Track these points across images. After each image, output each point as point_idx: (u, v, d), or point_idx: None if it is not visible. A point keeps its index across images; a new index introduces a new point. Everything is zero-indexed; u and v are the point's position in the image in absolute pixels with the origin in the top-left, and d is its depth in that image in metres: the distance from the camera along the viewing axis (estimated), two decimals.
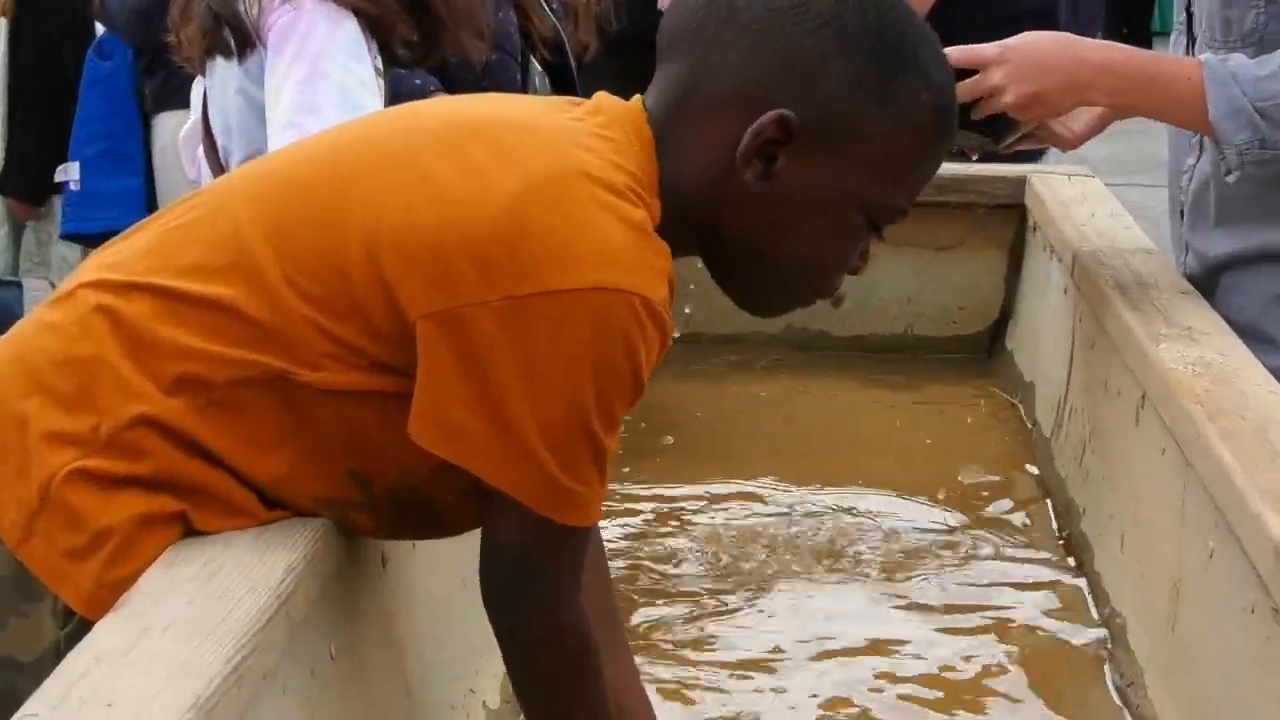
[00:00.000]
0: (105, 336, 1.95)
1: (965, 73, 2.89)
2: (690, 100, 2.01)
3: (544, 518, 1.92)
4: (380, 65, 3.37)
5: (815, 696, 2.73)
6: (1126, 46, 3.10)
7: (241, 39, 3.32)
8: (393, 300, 1.91)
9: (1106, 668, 2.82)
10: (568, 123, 2.00)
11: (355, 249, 1.93)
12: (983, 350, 4.42)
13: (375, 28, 3.33)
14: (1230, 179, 2.96)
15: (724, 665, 2.81)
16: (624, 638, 2.36)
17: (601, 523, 2.84)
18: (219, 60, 3.40)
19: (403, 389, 1.92)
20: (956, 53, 2.88)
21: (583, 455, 1.92)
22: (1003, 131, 3.04)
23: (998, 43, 2.98)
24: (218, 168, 3.47)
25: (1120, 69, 2.98)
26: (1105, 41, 3.06)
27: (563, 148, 1.95)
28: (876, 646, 2.91)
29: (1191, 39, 3.15)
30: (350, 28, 3.28)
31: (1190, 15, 3.16)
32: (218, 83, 3.46)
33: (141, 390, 1.93)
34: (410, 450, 1.94)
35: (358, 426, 1.96)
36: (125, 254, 2.02)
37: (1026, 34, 2.98)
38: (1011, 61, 2.95)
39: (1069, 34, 3.07)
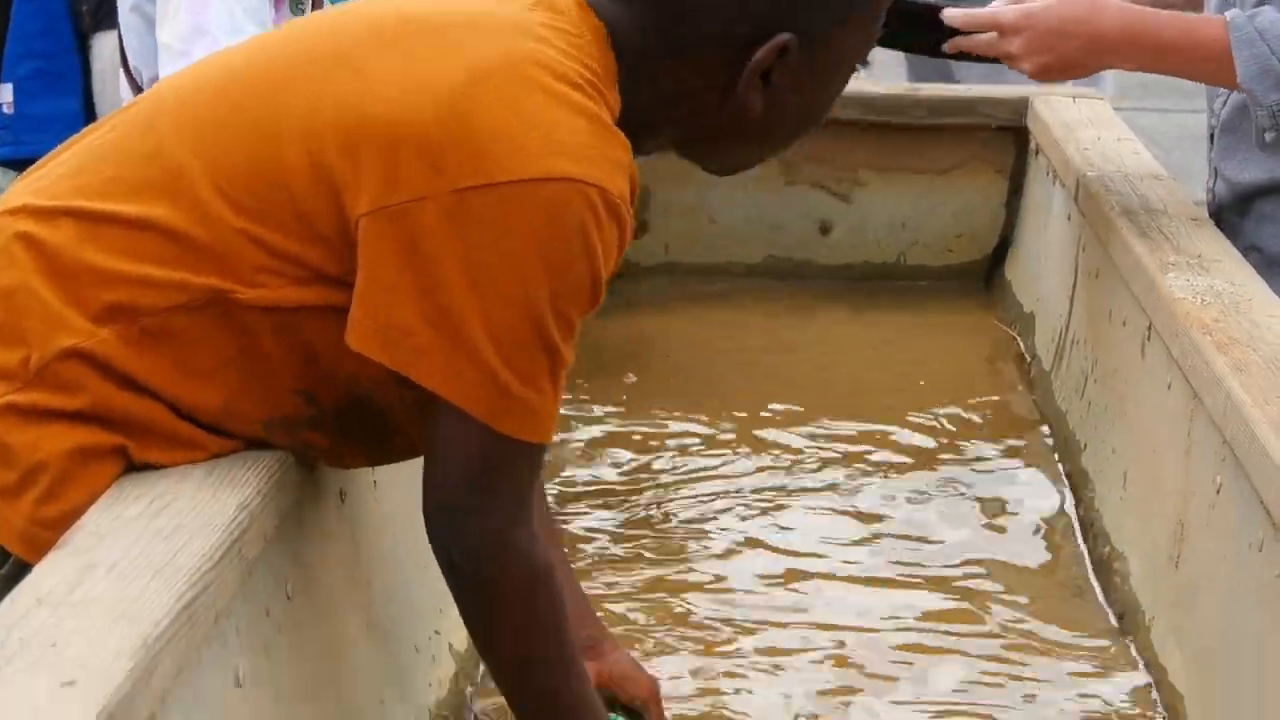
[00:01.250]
0: (28, 265, 1.86)
1: None
2: (672, 29, 1.91)
3: (494, 431, 1.81)
4: None
5: (802, 623, 2.68)
6: (1151, 10, 3.01)
7: None
8: (336, 201, 1.81)
9: (1106, 603, 2.75)
10: (518, 15, 1.90)
11: (294, 153, 1.83)
12: (980, 280, 4.33)
13: None
14: (1268, 138, 2.89)
15: (721, 589, 2.76)
16: (564, 557, 2.26)
17: (589, 460, 2.77)
18: None
19: (346, 301, 1.82)
20: (975, 16, 2.92)
21: (536, 361, 1.82)
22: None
23: (1019, 7, 2.94)
24: (135, 88, 3.39)
25: (1143, 38, 2.92)
26: (1129, 4, 2.97)
27: (513, 39, 1.86)
28: (868, 580, 2.84)
29: None
30: None
31: None
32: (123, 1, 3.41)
33: (69, 321, 1.84)
34: (360, 366, 1.85)
35: (302, 346, 1.87)
36: (48, 178, 1.93)
37: None
38: (1031, 29, 2.91)
39: None
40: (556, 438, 3.11)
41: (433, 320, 1.78)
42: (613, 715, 2.04)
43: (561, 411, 1.92)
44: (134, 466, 1.86)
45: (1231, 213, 3.08)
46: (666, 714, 2.24)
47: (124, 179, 1.87)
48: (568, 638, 1.94)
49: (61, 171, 1.92)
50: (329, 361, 1.87)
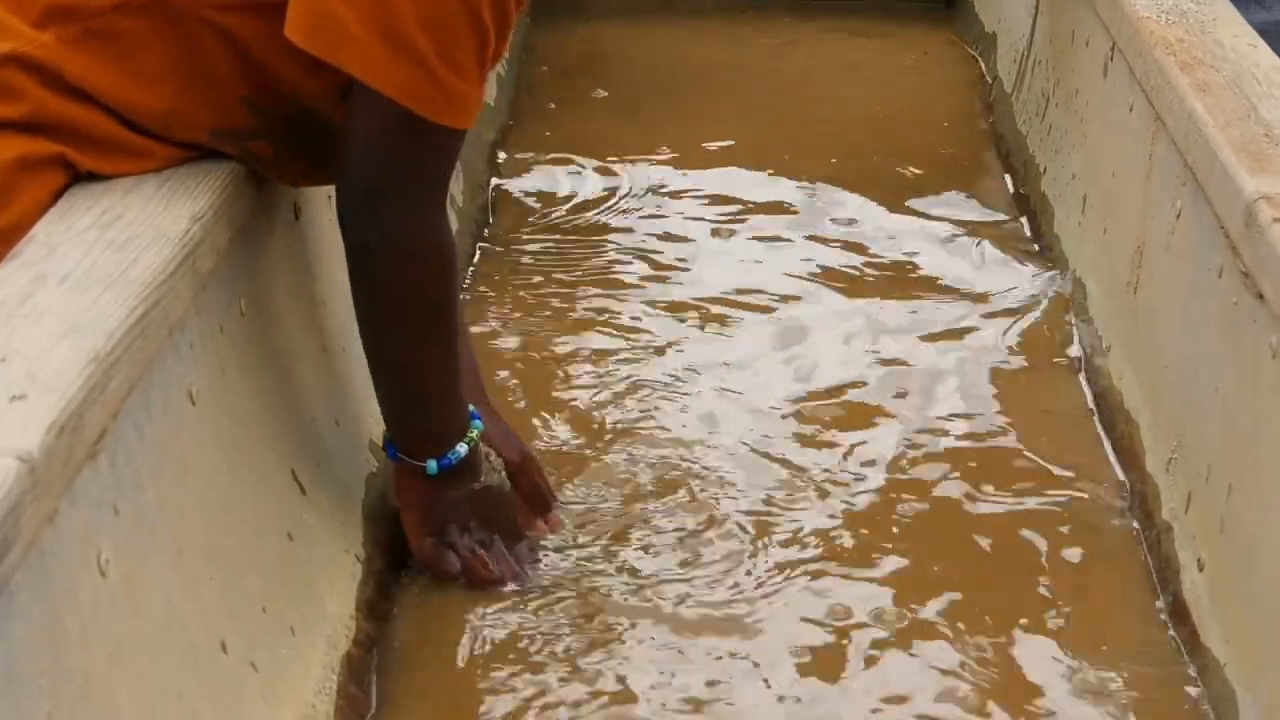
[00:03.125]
0: None
1: None
2: None
3: (414, 115, 1.81)
4: None
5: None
6: None
7: None
8: None
9: (1072, 332, 2.74)
10: None
11: None
12: None
13: None
14: None
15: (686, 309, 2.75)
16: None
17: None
18: None
19: None
20: None
21: (466, 44, 1.80)
22: None
23: None
24: None
25: None
26: None
27: None
28: (830, 317, 2.83)
29: None
30: None
31: None
32: None
33: (9, 25, 1.79)
34: (301, 68, 1.83)
35: (242, 46, 1.84)
36: None
37: None
38: None
39: None
40: None
41: (361, 6, 1.76)
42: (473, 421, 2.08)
43: None
44: (79, 177, 1.82)
45: None
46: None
47: None
48: (454, 345, 1.99)
49: None
50: (271, 69, 1.84)
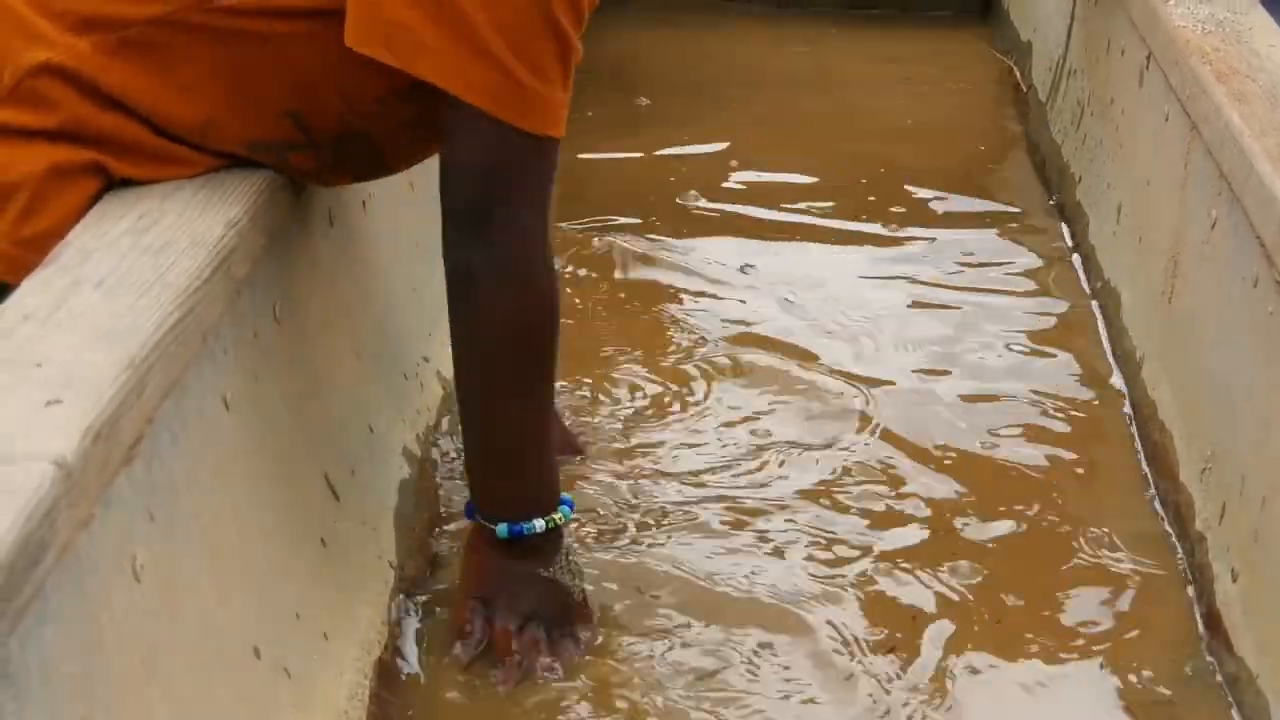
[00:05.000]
0: None
1: None
2: None
3: (506, 126, 1.76)
4: None
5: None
6: None
7: None
8: None
9: (1105, 338, 2.74)
10: None
11: None
12: (975, 6, 4.27)
13: None
14: None
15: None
16: None
17: None
18: None
19: (331, 5, 1.76)
20: None
21: (543, 46, 1.76)
22: None
23: None
24: None
25: None
26: None
27: None
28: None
29: None
30: None
31: None
32: None
33: (45, 34, 1.78)
34: (350, 79, 1.81)
35: (288, 57, 1.81)
36: None
37: None
38: None
39: None
40: None
41: (433, 14, 1.73)
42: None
43: None
44: (113, 184, 1.81)
45: None
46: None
47: None
48: (554, 374, 1.92)
49: None
50: (317, 77, 1.82)
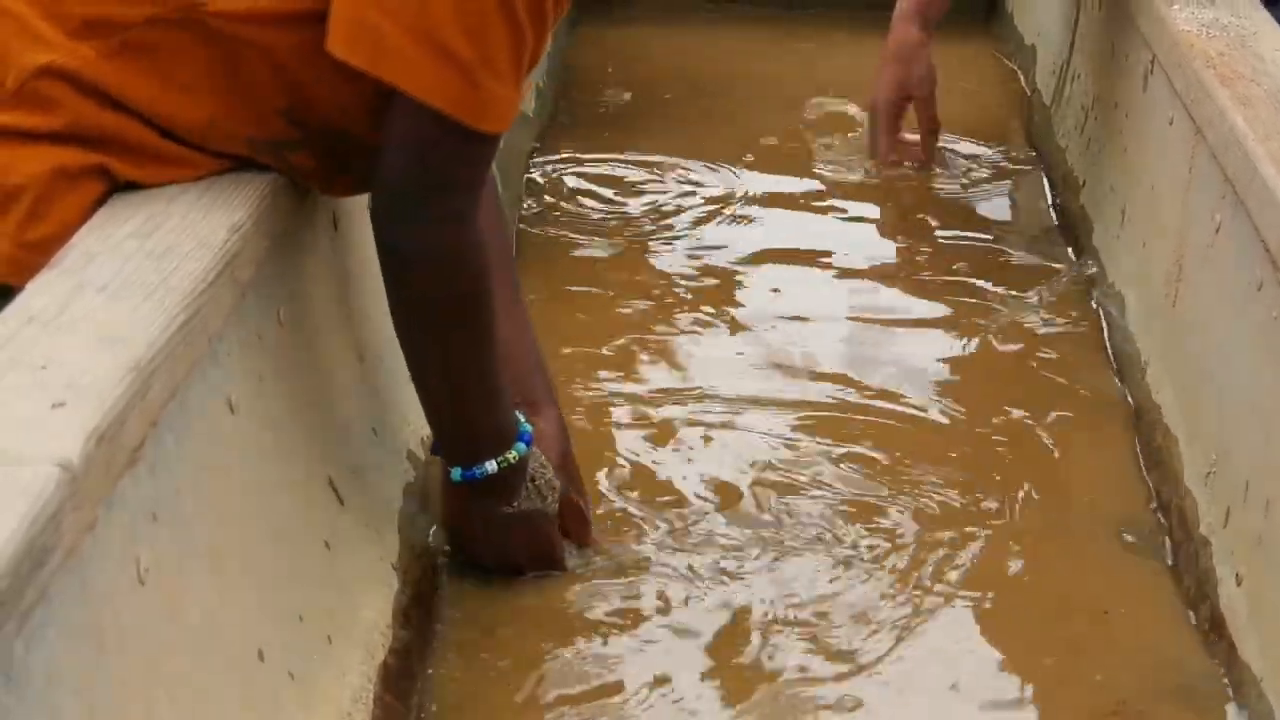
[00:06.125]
0: None
1: None
2: None
3: (452, 120, 1.80)
4: None
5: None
6: None
7: None
8: None
9: (1106, 347, 2.74)
10: None
11: None
12: (980, 10, 4.26)
13: None
14: None
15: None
16: (517, 284, 2.24)
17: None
18: None
19: (314, 9, 1.78)
20: None
21: (502, 43, 1.79)
22: None
23: None
24: None
25: None
26: None
27: None
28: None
29: None
30: None
31: None
32: None
33: (47, 37, 1.79)
34: (342, 86, 1.82)
35: (281, 60, 1.82)
36: None
37: None
38: None
39: None
40: None
41: (400, 16, 1.75)
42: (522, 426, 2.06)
43: None
44: (118, 186, 1.82)
45: None
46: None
47: None
48: (491, 344, 1.96)
49: None
50: (307, 83, 1.84)
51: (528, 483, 2.06)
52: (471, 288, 1.92)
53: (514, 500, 2.06)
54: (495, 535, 2.08)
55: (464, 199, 1.88)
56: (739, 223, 3.16)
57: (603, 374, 2.61)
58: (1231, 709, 1.93)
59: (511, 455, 2.03)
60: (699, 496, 2.29)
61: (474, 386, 1.99)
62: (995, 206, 3.27)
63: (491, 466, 2.02)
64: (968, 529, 2.25)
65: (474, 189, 1.88)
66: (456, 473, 2.03)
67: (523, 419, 2.07)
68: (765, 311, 2.83)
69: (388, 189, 1.87)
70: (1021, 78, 3.86)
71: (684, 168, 3.36)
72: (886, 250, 3.11)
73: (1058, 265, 3.00)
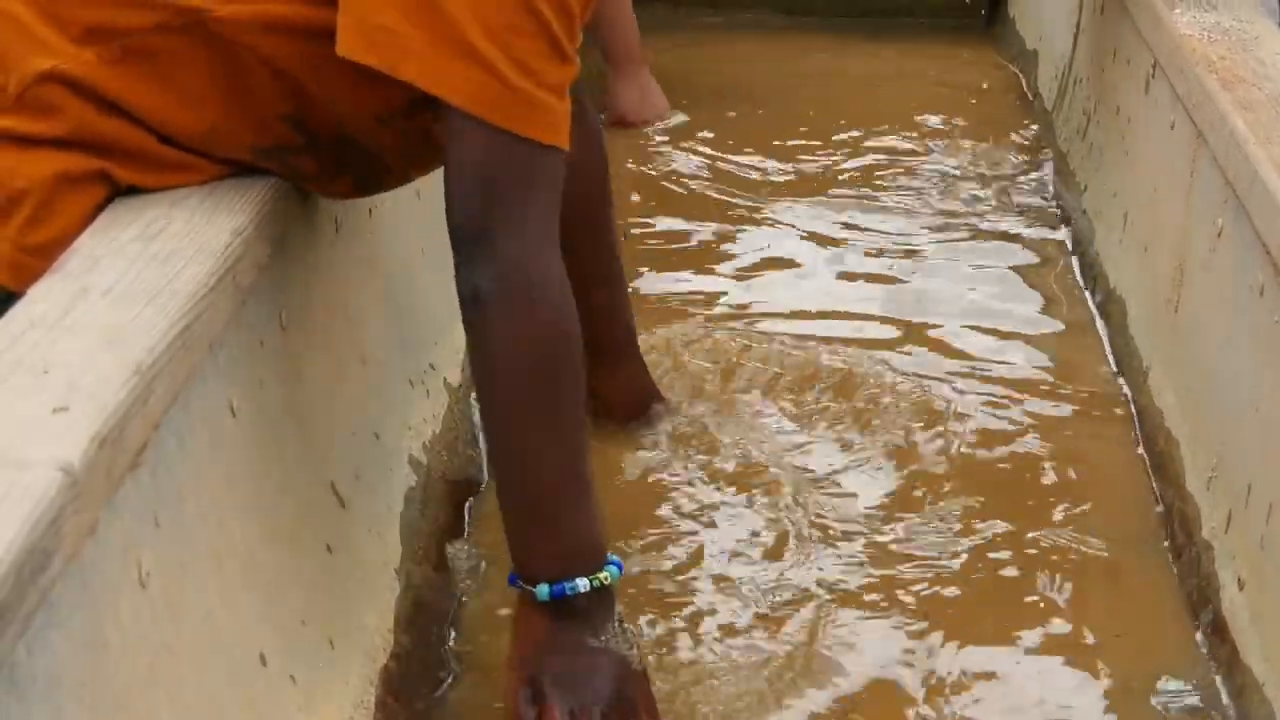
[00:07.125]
0: None
1: None
2: None
3: (498, 131, 1.71)
4: None
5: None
6: None
7: None
8: None
9: (1107, 352, 2.74)
10: None
11: None
12: (982, 16, 4.27)
13: None
14: None
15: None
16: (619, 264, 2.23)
17: None
18: None
19: (322, 18, 1.75)
20: None
21: (532, 46, 1.71)
22: None
23: None
24: None
25: None
26: None
27: None
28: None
29: None
30: None
31: None
32: None
33: (49, 43, 1.79)
34: (347, 95, 1.80)
35: (283, 65, 1.81)
36: None
37: None
38: None
39: None
40: None
41: (414, 15, 1.69)
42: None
43: None
44: (119, 191, 1.82)
45: None
46: None
47: None
48: (581, 406, 1.81)
49: None
50: (311, 90, 1.82)
51: (615, 621, 1.83)
52: (553, 330, 1.75)
53: (603, 635, 1.81)
54: (579, 666, 1.80)
55: (535, 225, 1.74)
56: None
57: None
58: (1234, 713, 1.93)
59: (604, 576, 1.80)
60: None
61: (567, 469, 1.78)
62: (999, 212, 3.27)
63: (584, 584, 1.79)
64: (967, 530, 2.25)
65: (545, 215, 1.75)
66: (543, 590, 1.78)
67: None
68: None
69: (455, 227, 1.75)
70: (1023, 82, 3.86)
71: None
72: (879, 242, 3.12)
73: (1059, 269, 3.00)
